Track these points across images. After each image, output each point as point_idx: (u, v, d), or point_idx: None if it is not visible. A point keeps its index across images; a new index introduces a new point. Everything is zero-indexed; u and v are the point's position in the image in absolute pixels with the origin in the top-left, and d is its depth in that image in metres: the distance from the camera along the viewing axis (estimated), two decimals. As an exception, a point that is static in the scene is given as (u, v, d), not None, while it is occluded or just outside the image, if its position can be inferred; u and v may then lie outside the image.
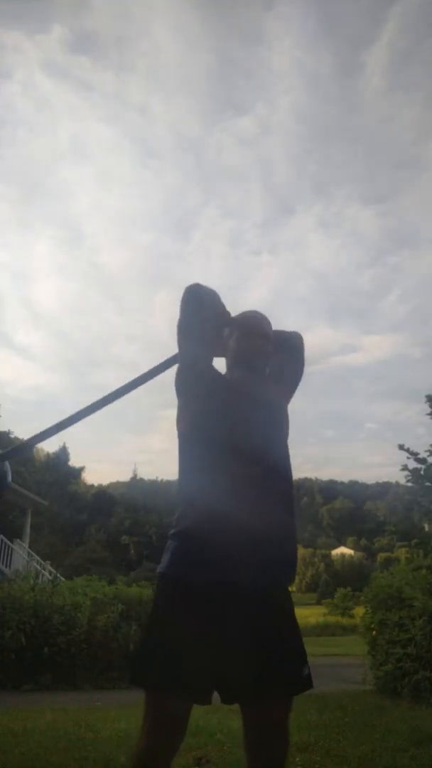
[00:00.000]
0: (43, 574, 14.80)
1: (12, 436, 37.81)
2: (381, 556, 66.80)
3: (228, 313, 1.76)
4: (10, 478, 1.65)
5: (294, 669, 1.47)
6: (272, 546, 1.47)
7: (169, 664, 1.40)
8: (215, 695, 1.49)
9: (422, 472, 6.54)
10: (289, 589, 1.65)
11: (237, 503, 1.45)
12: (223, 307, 1.76)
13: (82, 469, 52.12)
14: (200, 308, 1.68)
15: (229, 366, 1.76)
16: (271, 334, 1.77)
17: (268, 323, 1.79)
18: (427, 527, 7.27)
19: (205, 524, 1.46)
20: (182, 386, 1.67)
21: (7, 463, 1.64)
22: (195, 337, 1.68)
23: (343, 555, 79.65)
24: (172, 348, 1.71)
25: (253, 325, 1.74)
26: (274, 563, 1.48)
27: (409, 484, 6.73)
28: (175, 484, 1.63)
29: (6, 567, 15.35)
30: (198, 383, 1.64)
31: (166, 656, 1.41)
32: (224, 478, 1.49)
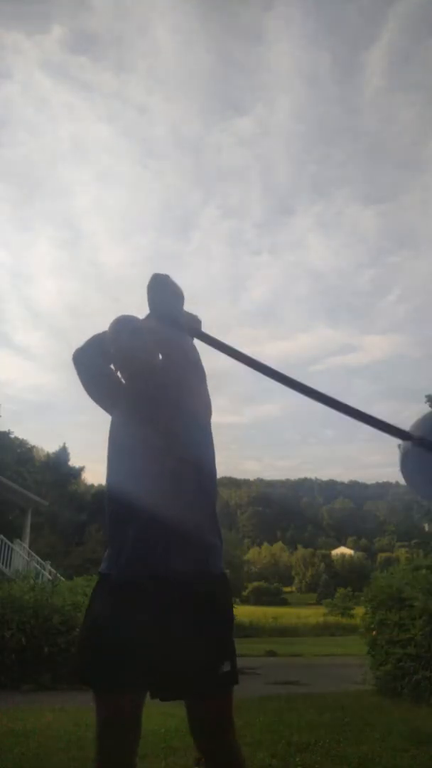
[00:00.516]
0: (43, 574, 14.80)
1: (12, 436, 37.81)
2: (381, 556, 66.84)
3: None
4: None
5: (206, 666, 1.41)
6: (170, 536, 1.47)
7: (100, 662, 1.45)
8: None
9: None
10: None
11: (136, 501, 1.52)
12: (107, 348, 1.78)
13: (82, 469, 51.98)
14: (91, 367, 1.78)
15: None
16: (115, 343, 1.74)
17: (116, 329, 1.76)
18: (427, 527, 7.27)
19: (114, 525, 1.56)
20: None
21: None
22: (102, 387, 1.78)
23: (343, 555, 79.67)
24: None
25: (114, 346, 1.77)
26: (173, 553, 1.46)
27: (409, 484, 6.72)
28: None
29: (6, 567, 15.35)
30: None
31: (95, 653, 1.47)
32: (125, 480, 1.58)
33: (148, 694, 1.48)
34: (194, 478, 1.56)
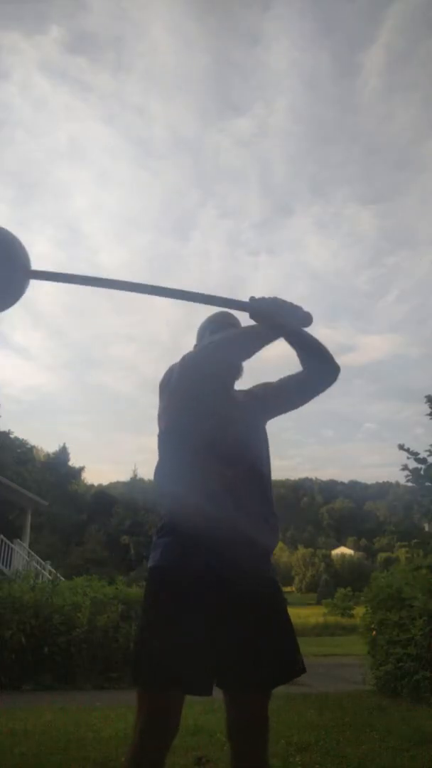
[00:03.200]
0: (43, 574, 14.79)
1: (12, 436, 37.82)
2: (381, 556, 66.80)
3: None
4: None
5: (290, 657, 1.53)
6: (254, 542, 1.54)
7: (168, 660, 1.43)
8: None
9: (422, 472, 6.54)
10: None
11: (220, 501, 1.51)
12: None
13: (82, 469, 52.02)
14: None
15: None
16: (236, 322, 1.85)
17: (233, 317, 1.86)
18: (427, 527, 7.26)
19: (192, 521, 1.51)
20: (184, 386, 1.66)
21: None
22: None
23: (343, 555, 79.66)
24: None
25: (220, 317, 1.86)
26: (255, 558, 1.55)
27: (409, 484, 6.73)
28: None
29: (6, 567, 15.34)
30: (196, 385, 1.66)
31: (163, 652, 1.44)
32: (207, 478, 1.54)
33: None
34: (260, 486, 1.62)
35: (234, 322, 1.85)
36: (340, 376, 1.75)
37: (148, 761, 1.43)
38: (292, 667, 1.52)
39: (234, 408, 1.70)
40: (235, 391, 1.81)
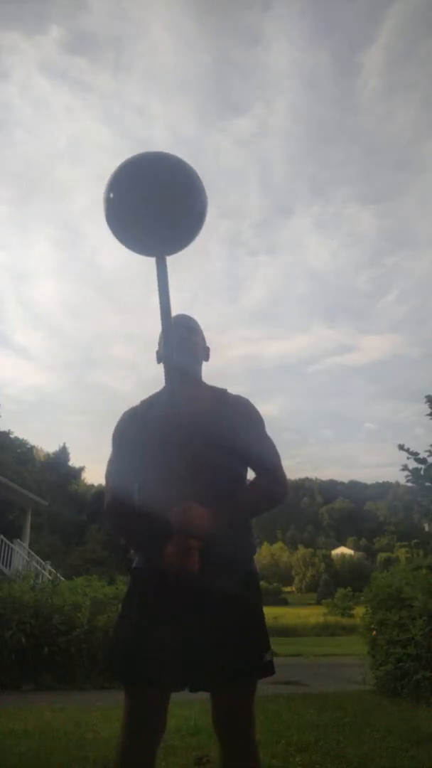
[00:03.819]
0: (43, 574, 14.79)
1: (12, 436, 37.83)
2: (381, 556, 66.90)
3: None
4: None
5: (252, 653, 1.52)
6: (230, 543, 1.55)
7: (136, 655, 1.47)
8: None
9: (422, 472, 6.54)
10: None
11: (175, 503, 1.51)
12: None
13: (82, 469, 52.10)
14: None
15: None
16: (195, 326, 1.78)
17: (194, 321, 1.80)
18: (427, 527, 7.26)
19: (152, 524, 1.53)
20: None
21: None
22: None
23: (343, 555, 79.78)
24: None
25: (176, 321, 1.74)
26: (230, 564, 1.54)
27: (409, 484, 6.73)
28: None
29: (6, 567, 15.34)
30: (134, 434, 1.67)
31: (133, 647, 1.48)
32: (166, 484, 1.51)
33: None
34: (232, 488, 1.64)
35: (188, 323, 1.77)
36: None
37: (134, 759, 1.46)
38: (260, 665, 1.52)
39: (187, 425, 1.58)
40: (204, 386, 1.74)
